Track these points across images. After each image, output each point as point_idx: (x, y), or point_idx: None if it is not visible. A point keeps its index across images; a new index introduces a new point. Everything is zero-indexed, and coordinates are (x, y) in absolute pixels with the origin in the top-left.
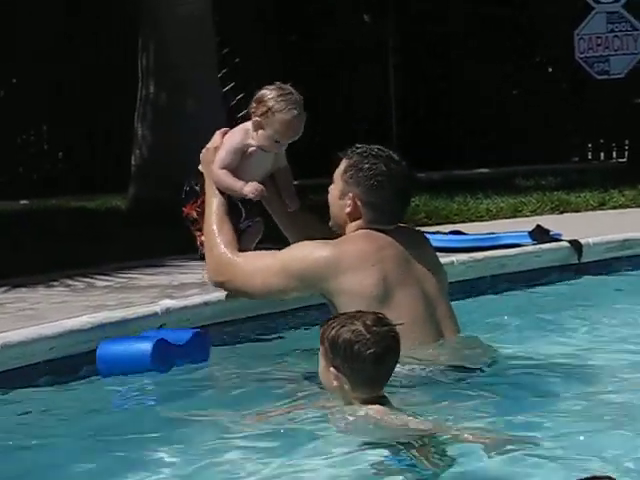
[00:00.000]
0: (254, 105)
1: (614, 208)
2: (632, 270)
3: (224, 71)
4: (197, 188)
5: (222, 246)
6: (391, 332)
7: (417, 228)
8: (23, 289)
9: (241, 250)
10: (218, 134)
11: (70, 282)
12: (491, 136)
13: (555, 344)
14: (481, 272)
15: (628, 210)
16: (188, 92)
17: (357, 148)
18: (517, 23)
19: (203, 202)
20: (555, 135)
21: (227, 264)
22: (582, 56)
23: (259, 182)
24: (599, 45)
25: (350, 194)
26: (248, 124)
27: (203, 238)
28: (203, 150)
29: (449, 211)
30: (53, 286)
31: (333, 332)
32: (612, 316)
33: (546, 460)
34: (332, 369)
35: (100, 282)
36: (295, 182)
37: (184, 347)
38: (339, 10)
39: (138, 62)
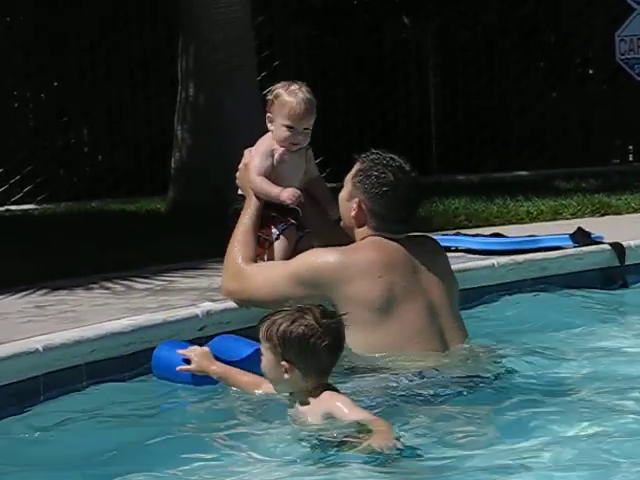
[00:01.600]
0: (267, 106)
1: (636, 211)
2: None
3: (264, 74)
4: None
5: (239, 257)
6: (338, 323)
7: (432, 235)
8: (63, 291)
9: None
10: (247, 151)
11: (110, 285)
12: (531, 138)
13: (590, 349)
14: (522, 275)
15: None
16: (228, 95)
17: (371, 154)
18: (556, 24)
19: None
20: (595, 137)
21: (237, 274)
22: (623, 57)
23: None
24: None
25: (356, 198)
26: (261, 141)
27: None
28: (238, 172)
29: (489, 213)
30: (93, 289)
31: (283, 327)
32: None
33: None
34: (284, 362)
35: (140, 285)
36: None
37: (240, 363)
38: (383, 15)
39: (178, 65)
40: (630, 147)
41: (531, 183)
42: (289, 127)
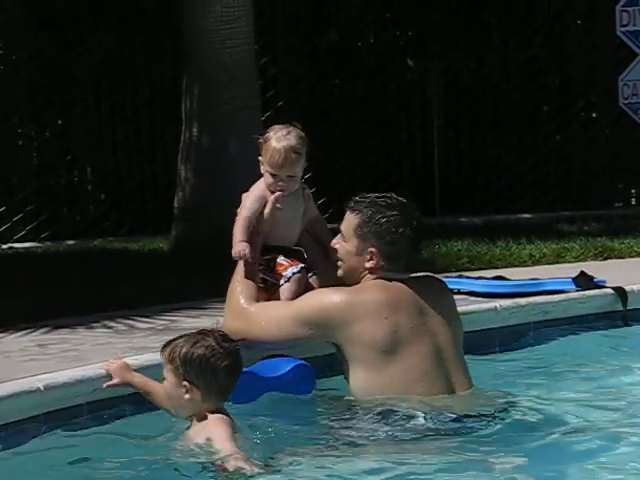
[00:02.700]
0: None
1: None
2: None
3: (268, 114)
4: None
5: (241, 296)
6: (237, 347)
7: (437, 276)
8: (65, 330)
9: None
10: (244, 196)
11: (112, 324)
12: (534, 180)
13: (593, 394)
14: (524, 318)
15: None
16: (231, 134)
17: (362, 201)
18: (560, 68)
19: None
20: (598, 180)
21: (241, 313)
22: (626, 102)
23: (292, 231)
24: None
25: (370, 248)
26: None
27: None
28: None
29: (492, 256)
30: (94, 327)
31: (185, 349)
32: None
33: None
34: (185, 383)
35: (142, 324)
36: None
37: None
38: (387, 56)
39: (182, 104)
40: (633, 191)
41: (534, 226)
42: (272, 174)
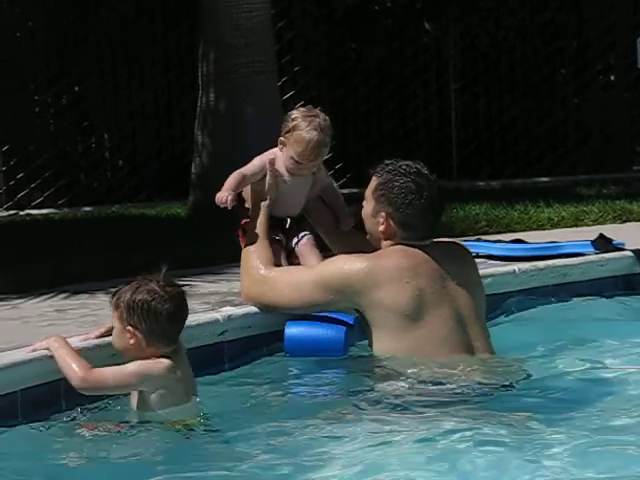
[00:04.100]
0: (282, 126)
1: None
2: None
3: (284, 79)
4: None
5: (257, 262)
6: (181, 291)
7: (458, 240)
8: (84, 295)
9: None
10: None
11: None
12: (552, 144)
13: (610, 357)
14: (543, 281)
15: None
16: (248, 99)
17: (386, 165)
18: (578, 30)
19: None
20: (617, 144)
21: (261, 278)
22: None
23: (296, 203)
24: None
25: (383, 213)
26: (269, 152)
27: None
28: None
29: (510, 220)
30: None
31: (129, 295)
32: None
33: None
34: (129, 327)
35: None
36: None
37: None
38: (404, 20)
39: (198, 70)
40: None
41: (552, 189)
42: (297, 162)
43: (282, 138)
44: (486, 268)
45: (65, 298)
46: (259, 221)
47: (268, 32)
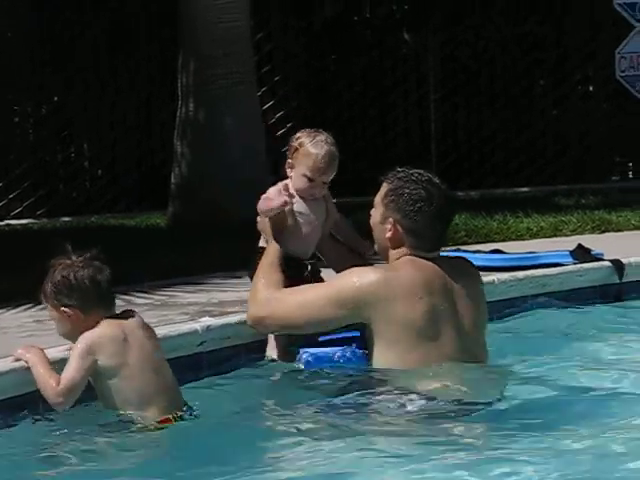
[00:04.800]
0: (287, 151)
1: None
2: None
3: (264, 89)
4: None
5: (265, 284)
6: (92, 257)
7: (461, 250)
8: None
9: None
10: (262, 198)
11: None
12: (531, 154)
13: (590, 367)
14: (522, 291)
15: None
16: (227, 110)
17: (398, 172)
18: (557, 42)
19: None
20: (596, 154)
21: (268, 300)
22: (623, 75)
23: (313, 237)
24: None
25: (391, 219)
26: (280, 183)
27: None
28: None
29: (489, 230)
30: None
31: (49, 283)
32: None
33: None
34: (64, 309)
35: (140, 299)
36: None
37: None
38: (383, 31)
39: (178, 80)
40: (630, 164)
41: (531, 199)
42: (309, 179)
43: (289, 160)
44: None
45: (44, 309)
46: (272, 249)
47: (247, 43)
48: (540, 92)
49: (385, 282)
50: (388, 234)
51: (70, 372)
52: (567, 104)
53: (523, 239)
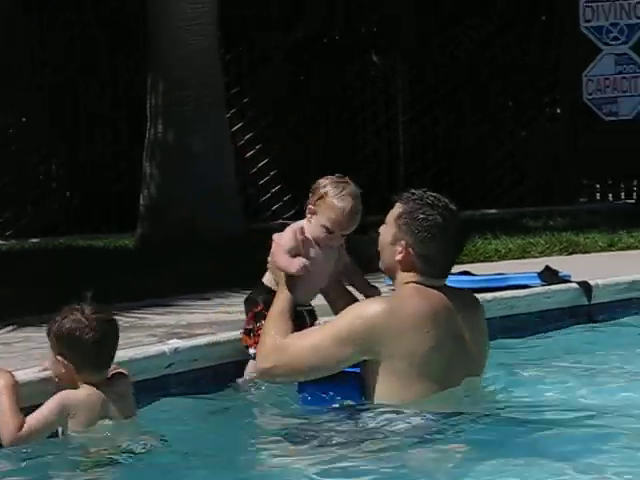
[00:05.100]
0: (310, 195)
1: (623, 249)
2: None
3: (232, 111)
4: (255, 297)
5: (273, 333)
6: (107, 318)
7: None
8: (30, 328)
9: None
10: (275, 236)
11: None
12: (500, 176)
13: (559, 388)
14: (490, 313)
15: (637, 251)
16: (196, 132)
17: (413, 194)
18: (525, 64)
19: (262, 307)
20: (563, 176)
21: (276, 348)
22: (590, 97)
23: (320, 284)
24: (607, 87)
25: (402, 242)
26: (297, 224)
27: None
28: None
29: None
30: None
31: (57, 325)
32: (621, 359)
33: None
34: (59, 357)
35: None
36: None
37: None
38: (352, 53)
39: (147, 102)
40: (597, 186)
41: (499, 221)
42: (329, 231)
43: (311, 206)
44: None
45: (11, 331)
46: (284, 297)
47: (216, 65)
48: (508, 114)
49: (391, 312)
50: (398, 257)
51: (36, 423)
52: (535, 126)
53: (491, 260)
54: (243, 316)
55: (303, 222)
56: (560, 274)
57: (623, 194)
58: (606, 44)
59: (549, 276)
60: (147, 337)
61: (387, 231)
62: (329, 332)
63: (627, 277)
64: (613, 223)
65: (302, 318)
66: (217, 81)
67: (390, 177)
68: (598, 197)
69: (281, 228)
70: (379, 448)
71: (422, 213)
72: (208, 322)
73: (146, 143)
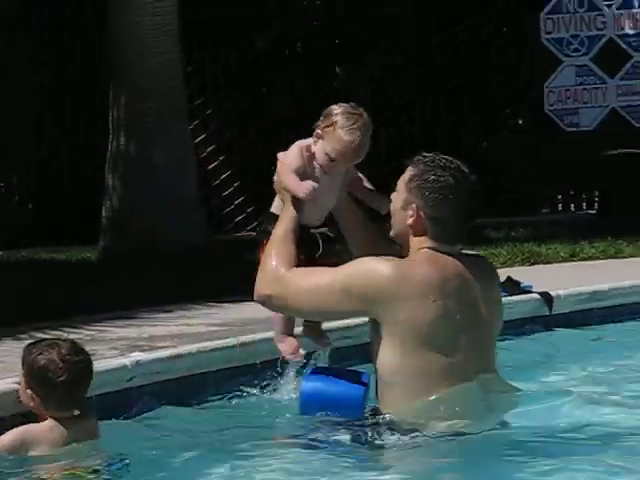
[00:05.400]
0: (321, 119)
1: (584, 260)
2: (601, 322)
3: (195, 122)
4: (265, 229)
5: (276, 260)
6: (81, 361)
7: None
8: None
9: None
10: (280, 155)
11: (39, 334)
12: None
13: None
14: None
15: (598, 262)
16: (158, 144)
17: (424, 157)
18: (486, 74)
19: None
20: (525, 187)
21: (277, 278)
22: (552, 108)
23: (326, 208)
24: (568, 98)
25: (413, 205)
26: (304, 141)
27: None
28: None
29: None
30: (22, 339)
31: (31, 358)
32: (583, 368)
33: None
34: (28, 390)
35: (70, 334)
36: None
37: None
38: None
39: (109, 114)
40: (559, 197)
41: None
42: (331, 159)
43: (319, 131)
44: None
45: None
46: (286, 220)
47: (179, 76)
48: (471, 124)
49: (399, 278)
50: (409, 221)
51: None
52: (497, 137)
53: None
54: (205, 329)
55: (310, 140)
56: (522, 285)
57: (585, 205)
58: (567, 55)
59: (511, 287)
60: (109, 350)
61: (398, 197)
62: (334, 279)
63: (588, 287)
64: (575, 234)
65: (314, 241)
66: (179, 93)
67: None
68: (560, 208)
69: (246, 239)
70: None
71: (433, 175)
72: (170, 335)
73: (108, 155)
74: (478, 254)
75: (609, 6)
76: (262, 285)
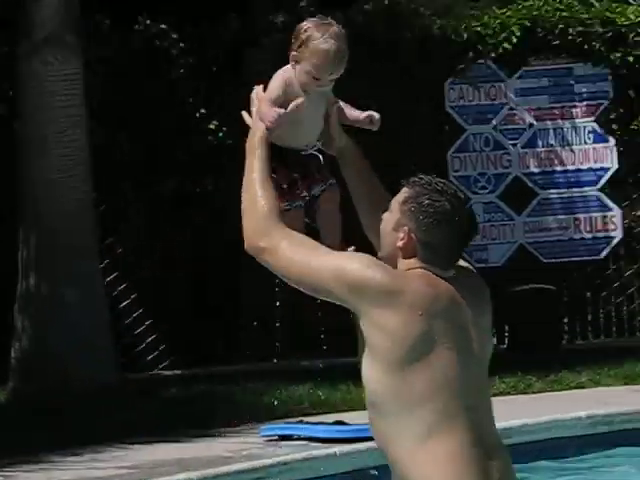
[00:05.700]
0: (292, 40)
1: (494, 395)
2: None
3: (107, 261)
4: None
5: (266, 208)
6: None
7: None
8: None
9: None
10: (258, 87)
11: None
12: None
13: None
14: (365, 463)
15: (508, 397)
16: (70, 283)
17: (420, 179)
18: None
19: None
20: None
21: (272, 234)
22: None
23: (313, 130)
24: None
25: (405, 227)
26: (285, 68)
27: None
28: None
29: (334, 400)
30: None
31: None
32: None
33: None
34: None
35: None
36: None
37: None
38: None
39: (18, 254)
40: None
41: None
42: (315, 77)
43: (294, 53)
44: (308, 450)
45: None
46: (258, 137)
47: (90, 216)
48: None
49: (389, 286)
50: (400, 243)
51: None
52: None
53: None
54: (115, 472)
55: (289, 67)
56: None
57: (495, 339)
58: (474, 193)
59: None
60: None
61: (391, 217)
62: (330, 262)
63: (501, 424)
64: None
65: (304, 163)
66: (90, 232)
67: (265, 323)
68: None
69: (158, 377)
70: None
71: (428, 198)
72: (79, 479)
73: (17, 295)
74: (472, 269)
75: (514, 145)
76: (253, 235)
